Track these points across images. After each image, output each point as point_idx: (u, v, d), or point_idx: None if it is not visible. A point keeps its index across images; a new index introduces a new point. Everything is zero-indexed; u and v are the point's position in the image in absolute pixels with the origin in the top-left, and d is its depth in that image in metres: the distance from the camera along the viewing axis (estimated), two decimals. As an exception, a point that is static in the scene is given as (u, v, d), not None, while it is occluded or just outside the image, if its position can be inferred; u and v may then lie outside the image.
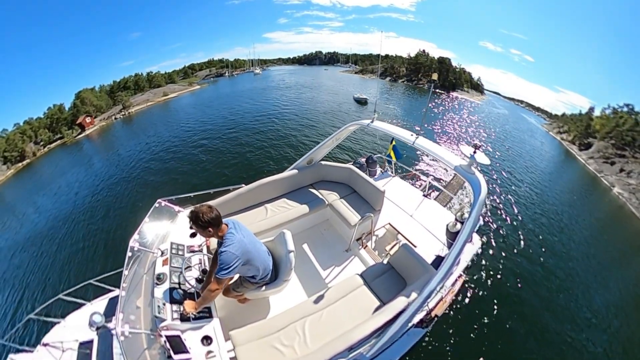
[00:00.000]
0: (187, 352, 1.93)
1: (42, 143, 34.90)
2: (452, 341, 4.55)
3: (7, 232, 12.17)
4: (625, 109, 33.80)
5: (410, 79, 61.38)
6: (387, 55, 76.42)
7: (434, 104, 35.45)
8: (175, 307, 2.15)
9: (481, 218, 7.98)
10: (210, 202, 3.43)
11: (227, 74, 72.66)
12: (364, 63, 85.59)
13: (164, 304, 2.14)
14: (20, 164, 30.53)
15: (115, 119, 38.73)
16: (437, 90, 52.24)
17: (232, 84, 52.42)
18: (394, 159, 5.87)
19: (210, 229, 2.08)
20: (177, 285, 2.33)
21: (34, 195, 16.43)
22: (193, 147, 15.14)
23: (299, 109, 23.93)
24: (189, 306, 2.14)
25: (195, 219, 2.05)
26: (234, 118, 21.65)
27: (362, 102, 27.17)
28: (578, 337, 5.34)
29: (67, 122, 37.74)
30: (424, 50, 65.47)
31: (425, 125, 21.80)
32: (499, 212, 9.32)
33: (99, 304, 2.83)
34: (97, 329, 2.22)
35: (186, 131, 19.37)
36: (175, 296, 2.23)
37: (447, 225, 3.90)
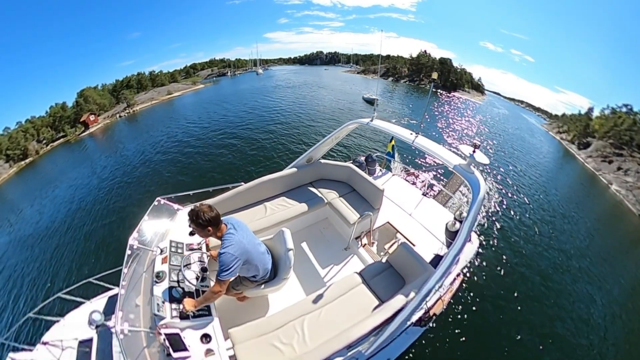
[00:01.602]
0: (186, 350, 1.94)
1: (44, 141, 34.80)
2: (450, 340, 4.56)
3: (6, 231, 12.15)
4: (624, 109, 34.03)
5: (412, 79, 61.94)
6: (388, 56, 76.72)
7: (436, 103, 35.95)
8: (174, 305, 2.15)
9: (480, 217, 8.03)
10: (209, 200, 3.44)
11: (229, 74, 72.96)
12: (365, 63, 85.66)
13: (163, 302, 2.14)
14: (23, 162, 30.42)
15: (120, 116, 38.65)
16: (439, 91, 52.86)
17: (237, 83, 52.24)
18: (393, 151, 5.91)
19: (209, 228, 2.09)
20: (176, 284, 2.33)
21: (35, 194, 16.32)
22: (208, 144, 15.02)
23: (318, 104, 25.67)
24: (189, 304, 2.15)
25: (195, 217, 2.05)
26: (253, 112, 22.32)
27: (372, 103, 27.58)
28: (577, 335, 5.36)
29: (70, 121, 37.67)
30: (425, 51, 65.94)
31: (428, 122, 22.50)
32: (498, 211, 9.34)
33: (99, 303, 2.83)
34: (97, 327, 2.22)
35: (202, 128, 19.05)
36: (175, 294, 2.24)
37: (446, 224, 3.91)
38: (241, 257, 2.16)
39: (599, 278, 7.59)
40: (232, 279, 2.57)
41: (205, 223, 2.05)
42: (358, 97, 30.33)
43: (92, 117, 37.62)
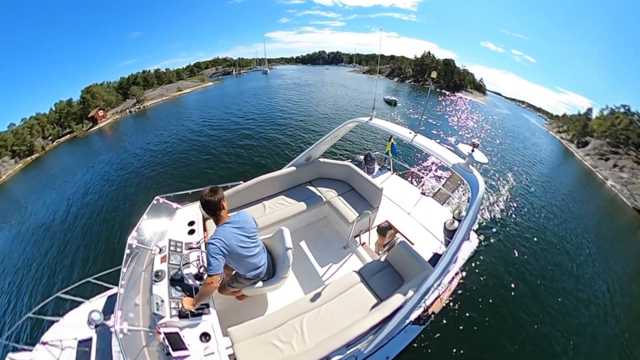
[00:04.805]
0: (185, 348, 1.94)
1: (50, 137, 34.92)
2: (449, 338, 4.57)
3: (6, 229, 12.09)
4: (622, 110, 34.43)
5: (417, 79, 63.23)
6: (393, 56, 78.07)
7: (444, 103, 37.50)
8: (173, 304, 2.16)
9: (479, 216, 8.05)
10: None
11: (234, 73, 73.72)
12: (369, 63, 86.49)
13: (162, 301, 2.14)
14: (29, 158, 30.44)
15: (130, 112, 39.08)
16: (443, 91, 54.60)
17: (247, 81, 52.25)
18: (392, 150, 5.93)
19: (207, 211, 2.23)
20: (175, 282, 2.33)
21: (38, 190, 16.24)
22: (238, 137, 15.21)
23: (350, 99, 28.67)
24: (187, 303, 2.16)
25: (200, 198, 2.22)
26: (291, 105, 24.01)
27: (391, 104, 28.49)
28: (577, 332, 5.38)
29: (77, 117, 37.91)
30: (429, 52, 67.44)
31: (438, 121, 23.44)
32: (498, 208, 9.36)
33: (98, 302, 2.83)
34: (96, 326, 2.22)
35: (227, 124, 19.00)
36: (174, 293, 2.24)
37: (445, 223, 3.93)
38: (223, 250, 2.13)
39: (598, 273, 7.64)
40: (229, 273, 2.61)
41: (203, 204, 2.19)
42: (377, 96, 31.56)
43: (100, 113, 37.82)
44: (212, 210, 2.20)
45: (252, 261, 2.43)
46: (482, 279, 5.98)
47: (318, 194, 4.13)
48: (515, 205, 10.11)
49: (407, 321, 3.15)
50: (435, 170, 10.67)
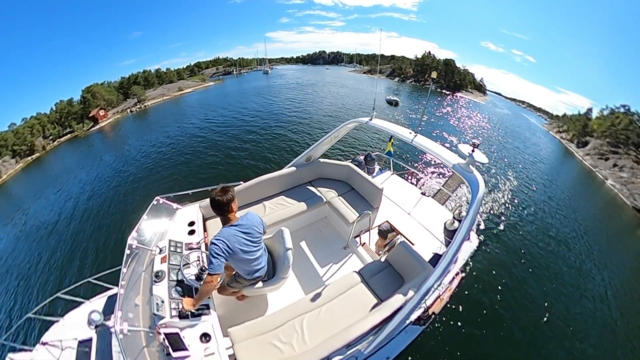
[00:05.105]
0: (185, 349, 1.94)
1: (51, 137, 35.08)
2: (449, 339, 4.58)
3: (6, 229, 12.09)
4: (621, 110, 34.46)
5: (417, 79, 63.46)
6: (393, 56, 78.41)
7: (445, 103, 37.85)
8: (173, 304, 2.16)
9: (479, 216, 8.06)
10: (206, 200, 3.42)
11: (234, 72, 73.96)
12: (370, 63, 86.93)
13: (163, 302, 2.14)
14: (29, 158, 30.55)
15: (131, 111, 39.29)
16: (444, 91, 54.94)
17: (249, 81, 52.32)
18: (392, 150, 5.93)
19: (215, 210, 2.21)
20: (175, 283, 2.33)
21: (39, 190, 16.24)
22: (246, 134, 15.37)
23: (353, 98, 29.40)
24: (187, 303, 2.15)
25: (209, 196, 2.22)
26: (298, 104, 24.60)
27: (393, 104, 28.73)
28: (576, 332, 5.38)
29: (77, 116, 38.12)
30: (429, 52, 67.75)
31: (439, 121, 23.94)
32: (498, 208, 9.36)
33: (98, 302, 2.83)
34: (96, 327, 2.21)
35: (238, 122, 19.04)
36: (174, 293, 2.24)
37: (445, 223, 3.93)
38: (225, 251, 2.12)
39: (598, 271, 7.66)
40: (230, 272, 2.61)
41: (211, 202, 2.18)
42: (378, 95, 32.23)
43: (101, 112, 37.99)
44: (220, 210, 2.18)
45: (253, 264, 2.43)
46: (482, 279, 5.99)
47: (318, 194, 4.13)
48: (516, 203, 10.13)
49: (408, 321, 3.14)
50: (436, 170, 10.68)
